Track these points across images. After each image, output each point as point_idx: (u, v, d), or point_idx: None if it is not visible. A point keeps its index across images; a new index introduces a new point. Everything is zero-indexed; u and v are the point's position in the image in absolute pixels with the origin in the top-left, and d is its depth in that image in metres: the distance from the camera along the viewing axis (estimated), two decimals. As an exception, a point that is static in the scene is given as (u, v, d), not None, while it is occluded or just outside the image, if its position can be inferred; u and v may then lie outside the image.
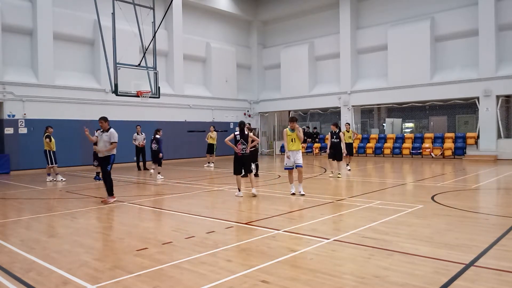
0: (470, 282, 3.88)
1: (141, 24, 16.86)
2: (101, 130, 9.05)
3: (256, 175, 13.71)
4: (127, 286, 3.96)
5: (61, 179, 13.68)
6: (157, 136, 14.49)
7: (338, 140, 13.52)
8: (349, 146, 15.30)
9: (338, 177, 13.19)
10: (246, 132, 9.43)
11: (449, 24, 21.04)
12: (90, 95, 19.55)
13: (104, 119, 9.13)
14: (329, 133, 13.91)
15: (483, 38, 19.67)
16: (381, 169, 16.51)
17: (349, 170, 15.26)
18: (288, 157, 9.52)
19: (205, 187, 11.51)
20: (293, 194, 9.46)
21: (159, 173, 14.16)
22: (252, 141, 9.74)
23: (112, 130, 8.96)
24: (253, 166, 12.66)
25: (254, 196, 9.32)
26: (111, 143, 8.83)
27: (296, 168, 9.47)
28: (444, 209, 7.59)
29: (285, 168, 9.73)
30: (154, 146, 14.33)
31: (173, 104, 23.15)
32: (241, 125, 9.54)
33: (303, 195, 9.29)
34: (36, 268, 4.55)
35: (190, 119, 24.12)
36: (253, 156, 13.86)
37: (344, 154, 14.42)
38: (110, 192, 9.05)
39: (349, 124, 16.09)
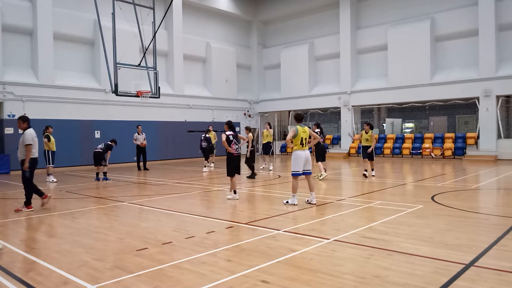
0: (470, 282, 3.88)
1: (141, 24, 16.88)
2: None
3: (253, 176, 13.52)
4: (127, 286, 3.96)
5: (52, 180, 13.57)
6: (207, 135, 16.10)
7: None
8: (364, 149, 13.33)
9: (315, 176, 12.17)
10: (231, 133, 9.43)
11: (449, 24, 21.04)
12: (90, 95, 19.56)
13: (22, 119, 8.27)
14: None
15: (483, 38, 19.67)
16: (381, 169, 16.50)
17: (365, 175, 13.10)
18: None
19: (205, 187, 11.50)
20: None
21: (205, 166, 16.13)
22: (242, 140, 9.81)
23: (27, 131, 8.14)
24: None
25: (229, 199, 9.18)
26: (25, 145, 8.08)
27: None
28: (444, 209, 7.59)
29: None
30: (204, 144, 16.06)
31: (173, 104, 23.16)
32: (231, 124, 9.51)
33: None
34: (36, 268, 4.55)
35: (190, 119, 24.12)
36: (251, 156, 13.79)
37: (363, 159, 13.28)
38: (28, 202, 8.22)
39: (368, 125, 13.47)
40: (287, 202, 8.32)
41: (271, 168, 16.36)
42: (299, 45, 26.86)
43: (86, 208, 8.50)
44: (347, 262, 4.54)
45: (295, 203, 8.18)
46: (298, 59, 26.54)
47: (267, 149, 16.51)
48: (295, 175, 8.27)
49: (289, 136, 8.27)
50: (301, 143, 8.26)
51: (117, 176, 15.15)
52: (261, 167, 16.57)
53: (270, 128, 16.35)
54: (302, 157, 8.24)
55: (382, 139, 23.79)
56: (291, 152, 8.46)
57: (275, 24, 28.92)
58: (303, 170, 8.29)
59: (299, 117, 8.52)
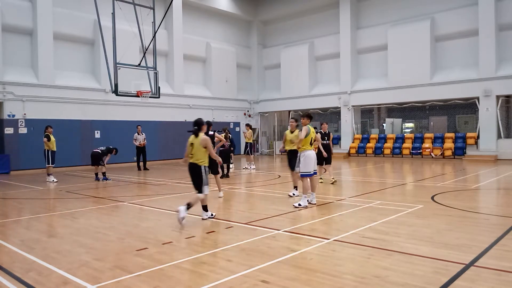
0: (470, 282, 3.88)
1: (141, 24, 16.88)
2: None
3: (226, 176, 13.82)
4: (127, 286, 3.96)
5: (53, 180, 13.56)
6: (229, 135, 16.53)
7: (327, 142, 12.01)
8: (289, 156, 9.81)
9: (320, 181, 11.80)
10: (211, 132, 9.46)
11: (449, 24, 21.03)
12: (90, 95, 19.55)
13: None
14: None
15: (483, 38, 19.66)
16: (381, 169, 16.51)
17: (293, 194, 9.45)
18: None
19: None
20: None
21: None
22: (220, 141, 9.88)
23: None
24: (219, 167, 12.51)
25: (220, 197, 9.36)
26: None
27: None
28: (444, 209, 7.59)
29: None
30: (227, 144, 16.50)
31: (173, 104, 23.15)
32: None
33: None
34: (36, 268, 4.55)
35: (190, 119, 24.10)
36: (227, 156, 14.09)
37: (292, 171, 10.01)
38: None
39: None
40: (299, 205, 7.99)
41: (253, 166, 17.24)
42: (299, 45, 26.85)
43: (86, 208, 8.50)
44: (347, 262, 4.54)
45: (306, 205, 8.04)
46: (298, 59, 26.52)
47: (251, 148, 17.82)
48: (306, 176, 8.17)
49: (302, 135, 8.06)
50: (310, 143, 8.20)
51: (117, 176, 15.15)
52: (245, 167, 17.24)
53: (250, 129, 17.73)
54: (312, 157, 8.18)
55: (382, 139, 23.79)
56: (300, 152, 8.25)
57: (275, 24, 28.91)
58: (313, 170, 8.25)
59: (311, 116, 8.40)
